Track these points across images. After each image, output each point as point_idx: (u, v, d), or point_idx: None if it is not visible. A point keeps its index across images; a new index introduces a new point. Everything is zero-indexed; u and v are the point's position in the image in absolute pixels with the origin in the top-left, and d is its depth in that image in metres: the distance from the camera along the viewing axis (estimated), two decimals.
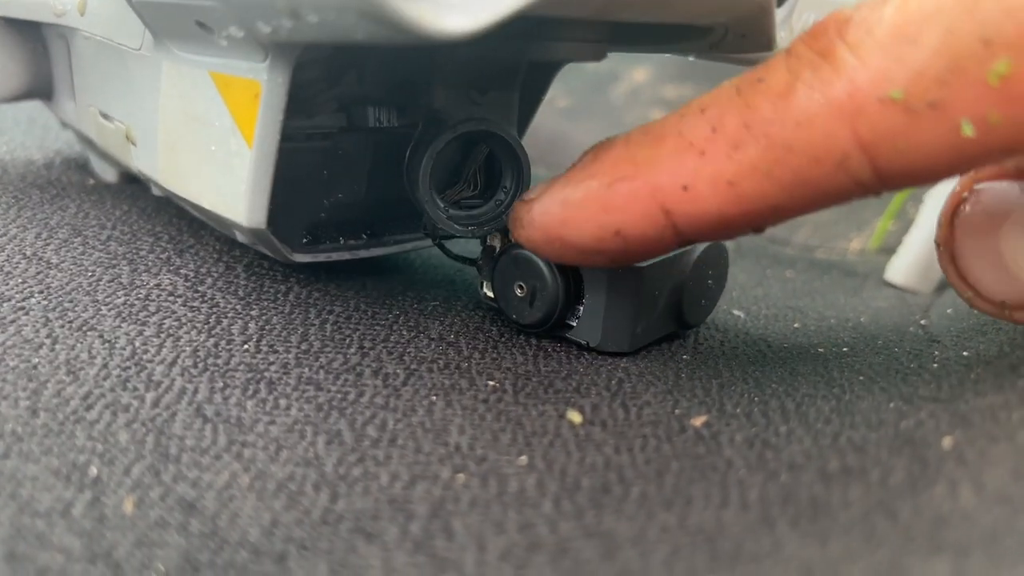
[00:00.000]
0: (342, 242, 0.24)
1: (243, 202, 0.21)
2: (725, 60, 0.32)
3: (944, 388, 0.20)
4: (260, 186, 0.21)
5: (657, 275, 0.22)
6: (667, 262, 0.22)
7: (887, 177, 0.16)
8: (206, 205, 0.22)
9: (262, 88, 0.19)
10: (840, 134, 0.16)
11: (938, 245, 0.20)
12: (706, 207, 0.18)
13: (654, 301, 0.22)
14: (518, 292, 0.23)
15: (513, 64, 0.23)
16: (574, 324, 0.22)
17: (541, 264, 0.22)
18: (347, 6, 0.15)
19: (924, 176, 0.16)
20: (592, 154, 0.20)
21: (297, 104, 0.21)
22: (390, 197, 0.24)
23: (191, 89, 0.21)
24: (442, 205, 0.23)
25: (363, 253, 0.24)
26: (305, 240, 0.24)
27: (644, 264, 0.21)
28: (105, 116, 0.26)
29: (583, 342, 0.22)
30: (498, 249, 0.23)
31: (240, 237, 0.23)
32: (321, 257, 0.24)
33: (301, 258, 0.23)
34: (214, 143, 0.21)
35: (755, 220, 0.18)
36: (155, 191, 0.26)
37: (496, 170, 0.23)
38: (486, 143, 0.23)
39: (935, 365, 0.21)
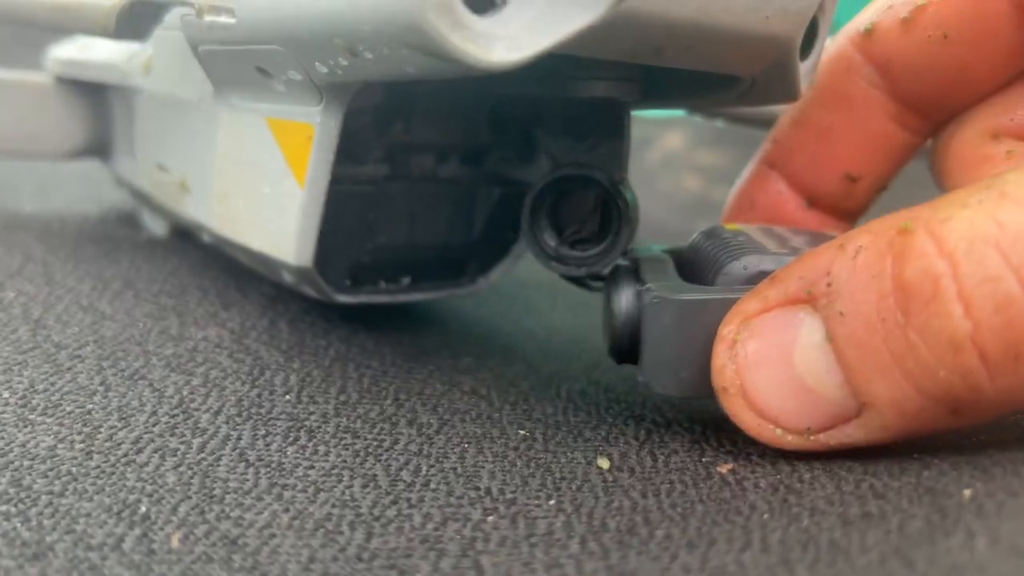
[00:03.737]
0: (383, 285, 0.25)
1: (292, 241, 0.22)
2: (749, 124, 0.33)
3: (968, 442, 0.20)
4: (309, 226, 0.22)
5: (707, 314, 0.20)
6: (724, 303, 0.20)
7: None
8: (255, 247, 0.23)
9: (315, 130, 0.21)
10: None
11: (723, 390, 0.19)
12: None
13: (709, 345, 0.20)
14: (607, 314, 0.22)
15: (616, 111, 0.24)
16: None
17: (615, 298, 0.21)
18: (400, 40, 0.16)
19: None
20: None
21: (347, 151, 0.22)
22: (432, 243, 0.25)
23: (247, 135, 0.23)
24: (552, 244, 0.23)
25: (403, 297, 0.25)
26: (347, 282, 0.25)
27: (680, 297, 0.20)
28: (162, 168, 0.28)
29: (640, 379, 0.21)
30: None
31: (287, 278, 0.24)
32: (362, 299, 0.25)
33: (343, 299, 0.24)
34: (267, 186, 0.22)
35: None
36: (205, 238, 0.27)
37: (610, 214, 0.24)
38: (592, 189, 0.23)
39: None
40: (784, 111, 0.26)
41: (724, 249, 0.21)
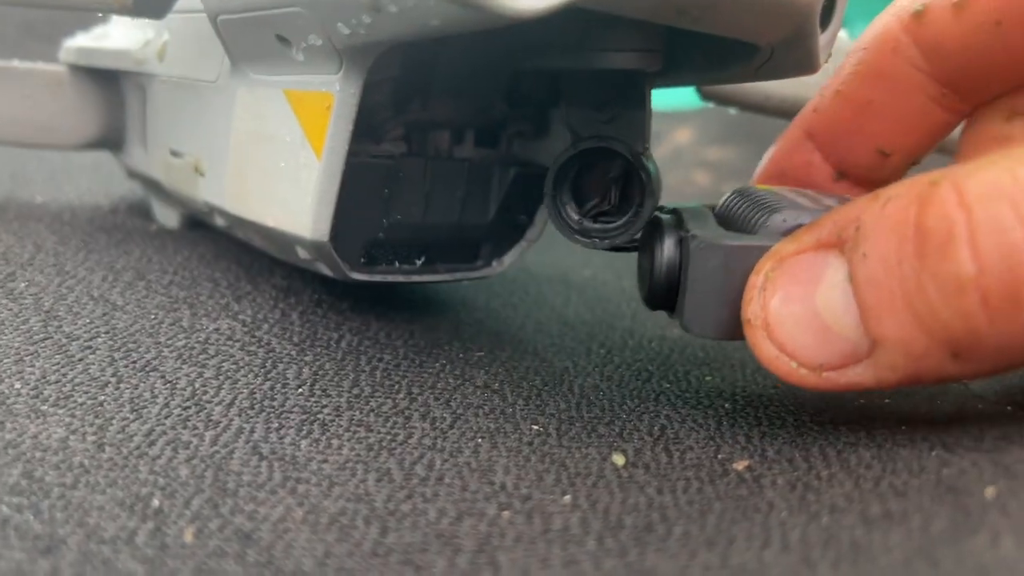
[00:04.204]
0: (397, 265, 0.25)
1: (309, 214, 0.22)
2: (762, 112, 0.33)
3: (987, 439, 0.20)
4: (326, 198, 0.22)
5: (751, 260, 0.21)
6: (765, 249, 0.21)
7: None
8: (271, 223, 0.23)
9: (334, 99, 0.21)
10: None
11: (748, 322, 0.20)
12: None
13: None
14: (644, 263, 0.23)
15: (636, 82, 0.24)
16: None
17: (656, 247, 0.22)
18: None
19: None
20: None
21: (364, 128, 0.22)
22: (446, 223, 0.25)
23: (264, 109, 0.23)
24: (575, 217, 0.24)
25: (416, 278, 0.25)
26: (362, 259, 0.25)
27: (726, 243, 0.21)
28: (175, 153, 0.27)
29: (677, 322, 0.22)
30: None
31: (301, 254, 0.24)
32: (376, 277, 0.25)
33: (358, 276, 0.24)
34: (284, 159, 0.22)
35: None
36: (219, 222, 0.27)
37: (632, 186, 0.24)
38: (614, 161, 0.23)
39: (977, 418, 0.21)
40: (827, 83, 0.26)
41: (761, 204, 0.22)
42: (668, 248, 0.22)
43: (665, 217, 0.22)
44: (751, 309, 0.20)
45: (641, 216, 0.23)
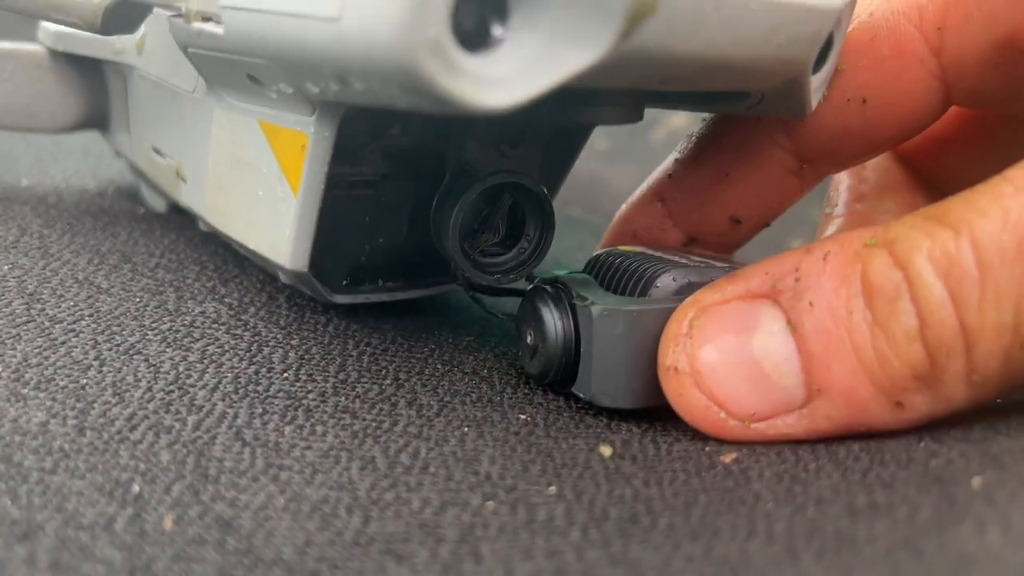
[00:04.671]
0: (380, 284, 0.25)
1: (287, 246, 0.21)
2: None
3: (976, 429, 0.20)
4: (304, 232, 0.21)
5: (656, 323, 0.20)
6: (670, 311, 0.20)
7: None
8: (251, 245, 0.23)
9: (309, 140, 0.20)
10: None
11: (673, 369, 0.19)
12: None
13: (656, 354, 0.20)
14: (528, 338, 0.22)
15: (546, 124, 0.23)
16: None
17: (547, 319, 0.21)
18: (391, 80, 0.15)
19: None
20: None
21: (342, 153, 0.22)
22: (428, 241, 0.25)
23: (241, 135, 0.22)
24: (469, 254, 0.23)
25: (400, 295, 0.25)
26: (345, 282, 0.24)
27: (634, 307, 0.20)
28: (157, 151, 0.27)
29: (581, 395, 0.21)
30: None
31: (283, 277, 0.24)
32: (360, 299, 0.24)
33: (341, 299, 0.24)
34: (261, 188, 0.22)
35: None
36: (202, 226, 0.27)
37: (519, 219, 0.24)
38: (512, 194, 0.23)
39: (968, 409, 0.21)
40: (684, 148, 0.27)
41: (641, 265, 0.22)
42: (561, 320, 0.21)
43: (548, 288, 0.22)
44: (673, 357, 0.19)
45: (545, 248, 0.23)
